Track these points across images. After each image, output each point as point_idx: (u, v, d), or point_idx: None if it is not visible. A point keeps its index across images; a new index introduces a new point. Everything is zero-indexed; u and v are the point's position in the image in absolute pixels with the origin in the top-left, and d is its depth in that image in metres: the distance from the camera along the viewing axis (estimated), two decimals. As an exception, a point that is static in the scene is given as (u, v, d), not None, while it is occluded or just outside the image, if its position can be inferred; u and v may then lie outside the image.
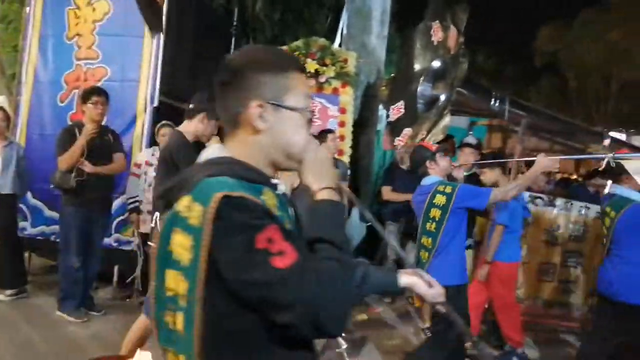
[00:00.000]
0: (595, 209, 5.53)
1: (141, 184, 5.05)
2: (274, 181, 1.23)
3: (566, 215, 5.49)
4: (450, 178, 3.92)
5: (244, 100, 1.18)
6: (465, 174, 4.79)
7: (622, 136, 12.13)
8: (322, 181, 1.23)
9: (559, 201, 5.51)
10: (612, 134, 10.37)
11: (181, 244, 1.08)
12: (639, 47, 19.46)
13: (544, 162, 3.52)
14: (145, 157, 5.09)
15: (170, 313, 1.12)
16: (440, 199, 3.49)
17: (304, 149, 1.23)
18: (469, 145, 5.19)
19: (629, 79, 20.34)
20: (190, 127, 3.40)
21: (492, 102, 7.34)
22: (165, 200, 1.22)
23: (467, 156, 4.95)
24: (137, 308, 5.04)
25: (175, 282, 1.10)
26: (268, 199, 1.13)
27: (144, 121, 5.47)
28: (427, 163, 3.69)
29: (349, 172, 5.92)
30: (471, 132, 7.55)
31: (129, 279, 5.37)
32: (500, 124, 8.82)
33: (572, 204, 5.54)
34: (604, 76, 20.99)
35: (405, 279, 1.54)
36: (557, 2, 21.81)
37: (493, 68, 21.92)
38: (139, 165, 5.11)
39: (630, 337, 3.67)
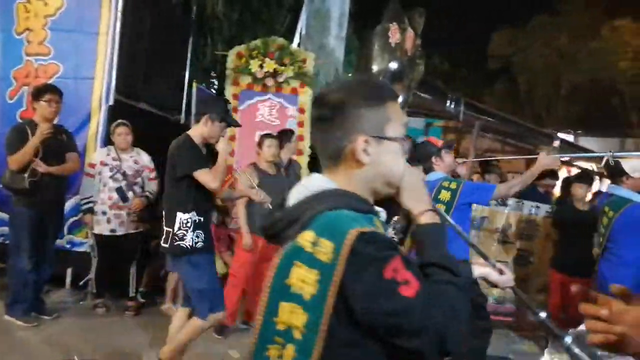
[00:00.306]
0: (545, 208, 5.73)
1: (95, 184, 4.94)
2: (377, 209, 1.27)
3: (517, 215, 5.67)
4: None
5: (348, 136, 1.20)
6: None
7: (570, 137, 12.61)
8: (421, 205, 1.28)
9: (511, 201, 5.68)
10: (561, 135, 10.77)
11: (304, 278, 1.09)
12: (586, 52, 20.26)
13: (545, 160, 3.61)
14: (100, 157, 4.98)
15: (276, 347, 1.12)
16: (445, 195, 3.54)
17: (403, 175, 1.26)
18: None
19: (576, 82, 21.13)
20: (197, 131, 3.49)
21: (448, 104, 7.52)
22: (270, 232, 1.24)
23: None
24: (92, 310, 4.95)
25: (290, 315, 1.10)
26: (378, 227, 1.16)
27: (98, 120, 5.34)
28: (433, 159, 3.75)
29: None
30: (424, 136, 7.69)
31: (83, 282, 5.25)
32: (456, 125, 9.03)
33: (523, 203, 5.71)
34: (554, 80, 21.73)
35: (479, 269, 1.60)
36: (510, 8, 22.43)
37: (448, 70, 22.35)
38: (93, 165, 4.99)
39: None
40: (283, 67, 6.31)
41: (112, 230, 4.90)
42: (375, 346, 1.09)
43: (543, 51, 21.11)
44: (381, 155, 1.21)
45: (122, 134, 4.94)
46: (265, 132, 5.21)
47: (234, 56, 6.27)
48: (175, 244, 3.36)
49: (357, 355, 1.11)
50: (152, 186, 5.10)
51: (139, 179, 5.02)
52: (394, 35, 6.75)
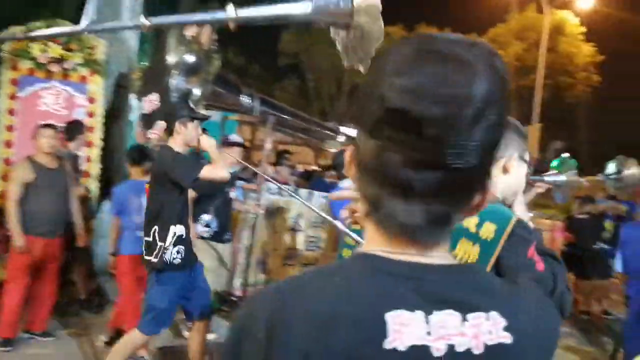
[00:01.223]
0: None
1: None
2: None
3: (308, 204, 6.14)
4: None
5: (503, 152, 1.57)
6: (232, 171, 5.05)
7: (354, 132, 13.91)
8: (525, 213, 1.69)
9: (302, 191, 6.14)
10: (343, 129, 11.79)
11: (468, 251, 1.46)
12: (364, 54, 22.36)
13: None
14: None
15: None
16: None
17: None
18: (238, 144, 5.44)
19: (356, 81, 23.25)
20: (177, 140, 3.38)
21: (243, 99, 7.74)
22: None
23: (235, 154, 5.19)
24: None
25: None
26: None
27: None
28: None
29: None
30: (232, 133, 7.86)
31: None
32: (251, 119, 9.35)
33: (312, 193, 6.21)
34: (337, 79, 23.60)
35: None
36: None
37: (242, 65, 22.81)
38: None
39: None
40: (70, 53, 5.92)
41: None
42: None
43: (328, 51, 22.74)
44: (518, 172, 1.63)
45: None
46: (45, 122, 4.80)
47: (11, 37, 5.68)
48: (163, 258, 3.25)
49: None
50: None
51: None
52: (189, 28, 6.75)
